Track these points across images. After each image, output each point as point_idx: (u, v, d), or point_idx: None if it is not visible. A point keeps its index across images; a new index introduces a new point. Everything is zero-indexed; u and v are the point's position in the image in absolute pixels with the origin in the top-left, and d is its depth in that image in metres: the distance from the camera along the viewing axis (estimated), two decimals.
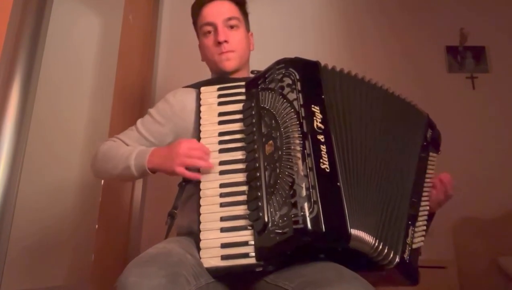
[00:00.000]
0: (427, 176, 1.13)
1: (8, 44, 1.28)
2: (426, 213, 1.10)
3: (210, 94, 1.12)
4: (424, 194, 1.11)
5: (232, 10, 1.27)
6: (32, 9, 1.38)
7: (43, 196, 1.54)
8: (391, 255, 0.95)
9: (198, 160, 1.01)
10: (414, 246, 1.01)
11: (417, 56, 2.60)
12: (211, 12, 1.26)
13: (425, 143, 1.17)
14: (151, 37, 2.45)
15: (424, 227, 1.08)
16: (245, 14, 1.33)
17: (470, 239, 2.29)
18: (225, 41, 1.23)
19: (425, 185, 1.12)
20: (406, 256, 0.97)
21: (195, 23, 1.34)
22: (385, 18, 2.67)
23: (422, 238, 1.06)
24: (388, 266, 0.95)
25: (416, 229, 1.04)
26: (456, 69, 2.61)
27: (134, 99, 2.23)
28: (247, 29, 1.35)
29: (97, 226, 1.78)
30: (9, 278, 1.24)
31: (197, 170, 1.02)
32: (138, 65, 2.28)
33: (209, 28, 1.26)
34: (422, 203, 1.09)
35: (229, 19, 1.25)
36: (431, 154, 1.18)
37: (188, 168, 1.02)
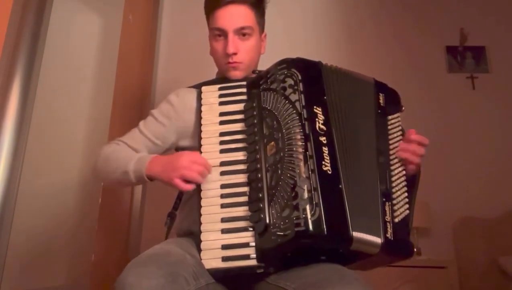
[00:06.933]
0: (391, 142, 1.07)
1: (8, 44, 1.28)
2: (403, 179, 1.04)
3: (211, 94, 1.11)
4: (394, 161, 1.05)
5: (246, 17, 1.19)
6: (32, 9, 1.37)
7: (43, 196, 1.53)
8: (374, 241, 0.91)
9: (198, 175, 0.98)
10: (396, 220, 0.97)
11: (417, 56, 2.60)
12: (223, 18, 1.18)
13: (379, 110, 1.09)
14: (151, 37, 2.45)
15: (405, 195, 1.02)
16: (261, 15, 1.26)
17: (470, 239, 2.30)
18: (234, 53, 1.17)
19: (391, 152, 1.06)
20: (389, 235, 0.93)
21: (206, 17, 1.26)
22: (386, 19, 2.67)
23: (406, 206, 1.01)
24: (373, 251, 0.92)
25: (395, 202, 0.99)
26: (456, 69, 2.61)
27: (134, 99, 2.22)
28: (261, 31, 1.27)
29: (97, 226, 1.78)
30: (9, 278, 1.24)
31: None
32: (138, 66, 2.27)
33: (219, 33, 1.19)
34: (394, 172, 1.03)
35: (242, 28, 1.18)
36: (390, 117, 1.10)
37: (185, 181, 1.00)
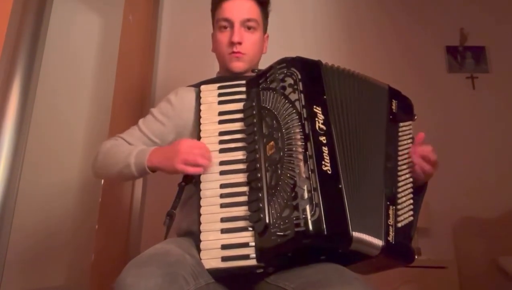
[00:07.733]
0: (400, 148, 1.07)
1: (8, 44, 1.27)
2: (409, 186, 1.05)
3: (210, 92, 1.11)
4: (402, 168, 1.05)
5: (253, 11, 1.23)
6: (32, 9, 1.37)
7: (43, 196, 1.53)
8: (374, 242, 0.91)
9: (199, 157, 0.99)
10: (399, 225, 0.97)
11: (417, 56, 2.60)
12: (231, 9, 1.22)
13: (391, 116, 1.09)
14: (151, 37, 2.45)
15: (410, 202, 1.02)
16: (265, 15, 1.29)
17: (470, 239, 2.30)
18: (239, 43, 1.20)
19: (400, 158, 1.06)
20: (391, 238, 0.93)
21: (212, 13, 1.30)
22: (386, 18, 2.67)
23: (411, 213, 1.01)
24: (373, 253, 0.92)
25: (399, 207, 0.99)
26: (456, 69, 2.61)
27: (134, 99, 2.22)
28: (264, 30, 1.31)
29: (97, 226, 1.78)
30: (9, 278, 1.24)
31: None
32: (138, 65, 2.27)
33: (225, 24, 1.22)
34: (401, 178, 1.04)
35: (248, 20, 1.22)
36: (401, 124, 1.11)
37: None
